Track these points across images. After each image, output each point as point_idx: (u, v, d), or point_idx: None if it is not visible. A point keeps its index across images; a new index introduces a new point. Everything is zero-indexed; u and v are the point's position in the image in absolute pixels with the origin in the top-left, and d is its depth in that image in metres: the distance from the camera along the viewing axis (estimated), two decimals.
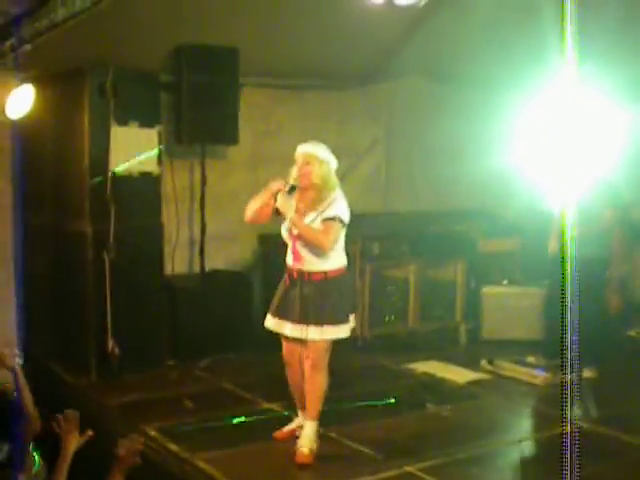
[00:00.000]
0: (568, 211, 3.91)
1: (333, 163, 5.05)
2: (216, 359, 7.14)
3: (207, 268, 7.49)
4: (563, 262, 3.13)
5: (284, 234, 5.09)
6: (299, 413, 5.37)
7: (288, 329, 5.04)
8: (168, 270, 7.38)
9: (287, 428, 5.40)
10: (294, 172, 5.02)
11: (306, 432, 5.07)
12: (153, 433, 5.47)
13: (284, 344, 5.20)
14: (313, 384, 5.08)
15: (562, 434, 2.81)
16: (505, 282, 8.13)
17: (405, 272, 8.03)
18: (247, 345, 7.31)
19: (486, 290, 8.00)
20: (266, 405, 6.07)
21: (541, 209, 8.64)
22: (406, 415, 5.90)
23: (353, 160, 8.37)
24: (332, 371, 5.13)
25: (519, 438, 5.59)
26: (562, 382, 3.23)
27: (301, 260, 5.00)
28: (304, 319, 4.96)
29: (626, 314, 7.81)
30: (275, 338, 5.21)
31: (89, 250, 6.60)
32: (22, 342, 5.99)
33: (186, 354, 7.11)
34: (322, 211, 4.93)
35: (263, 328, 5.23)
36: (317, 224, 4.92)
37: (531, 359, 7.02)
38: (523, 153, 7.74)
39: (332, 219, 4.90)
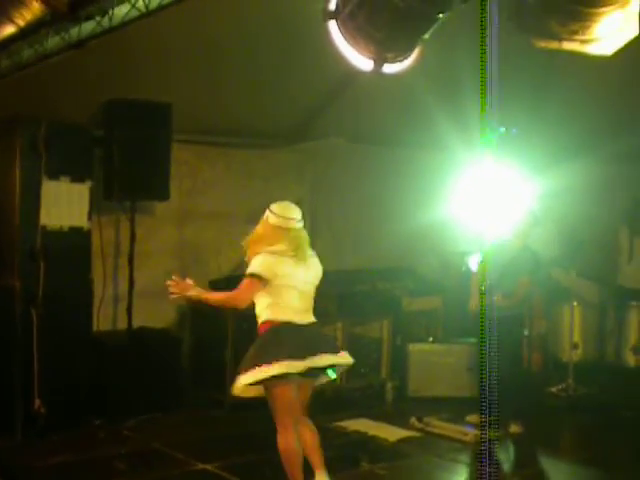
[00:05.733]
0: (487, 271, 4.07)
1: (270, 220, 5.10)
2: (144, 419, 6.99)
3: (134, 325, 7.35)
4: (482, 320, 3.23)
5: None
6: None
7: None
8: (95, 327, 7.21)
9: None
10: None
11: None
12: None
13: None
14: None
15: None
16: (430, 339, 8.23)
17: (332, 330, 8.06)
18: (175, 405, 7.18)
19: (412, 348, 8.06)
20: (200, 466, 5.95)
21: (460, 268, 8.89)
22: (342, 474, 5.86)
23: None
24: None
25: None
26: (482, 440, 3.31)
27: None
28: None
29: (547, 371, 8.05)
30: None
31: (17, 305, 6.42)
32: None
33: (113, 413, 6.92)
34: None
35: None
36: None
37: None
38: (444, 212, 7.99)
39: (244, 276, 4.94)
